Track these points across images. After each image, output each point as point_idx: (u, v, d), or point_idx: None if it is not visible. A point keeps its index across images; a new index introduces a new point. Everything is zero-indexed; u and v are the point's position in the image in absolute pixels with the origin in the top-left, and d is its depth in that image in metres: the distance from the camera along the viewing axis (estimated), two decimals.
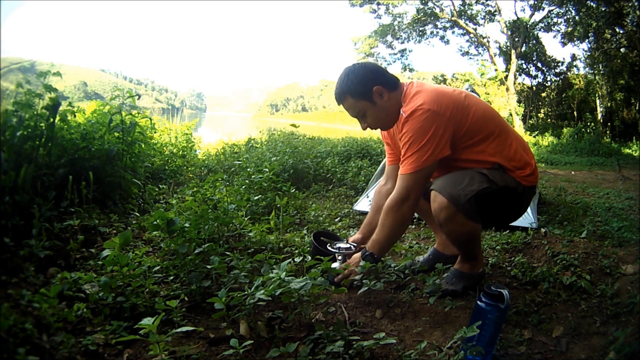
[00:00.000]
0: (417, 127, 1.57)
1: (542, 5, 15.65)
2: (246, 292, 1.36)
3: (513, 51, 16.16)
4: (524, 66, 17.35)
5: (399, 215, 1.66)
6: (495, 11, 17.00)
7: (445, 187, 1.55)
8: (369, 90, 1.66)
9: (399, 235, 1.84)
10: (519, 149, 1.68)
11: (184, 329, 1.24)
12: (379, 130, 1.85)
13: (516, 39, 16.39)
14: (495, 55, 17.40)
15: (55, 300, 1.33)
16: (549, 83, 17.74)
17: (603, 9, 13.10)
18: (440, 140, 1.58)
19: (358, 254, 1.80)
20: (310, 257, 1.84)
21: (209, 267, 1.62)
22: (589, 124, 13.74)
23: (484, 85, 17.70)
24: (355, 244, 1.91)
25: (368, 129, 1.79)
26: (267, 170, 3.34)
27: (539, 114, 17.74)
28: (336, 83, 1.73)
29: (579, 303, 1.65)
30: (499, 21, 17.00)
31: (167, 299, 1.46)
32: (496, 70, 17.19)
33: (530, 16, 16.24)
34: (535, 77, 17.76)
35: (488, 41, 17.59)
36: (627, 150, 11.19)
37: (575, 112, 16.13)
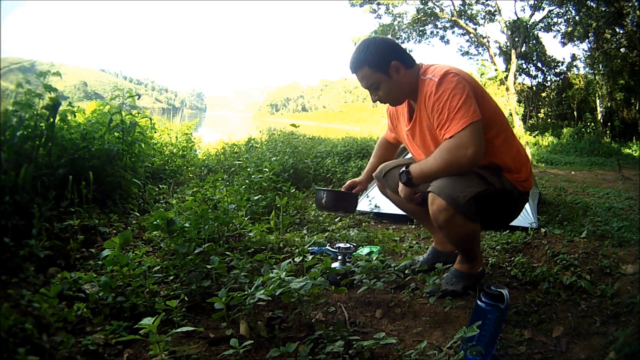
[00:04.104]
0: (453, 85, 1.52)
1: (542, 5, 15.66)
2: (246, 292, 1.36)
3: (513, 51, 16.16)
4: (524, 66, 17.37)
5: (454, 158, 1.49)
6: (495, 11, 17.01)
7: (444, 189, 1.54)
8: (387, 64, 1.64)
9: (445, 175, 1.57)
10: (520, 150, 1.70)
11: (184, 329, 1.24)
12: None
13: (516, 39, 16.39)
14: (495, 55, 17.41)
15: (55, 300, 1.33)
16: (549, 83, 17.77)
17: (603, 9, 13.09)
18: (474, 102, 1.53)
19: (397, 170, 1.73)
20: (319, 206, 1.94)
21: (209, 267, 1.62)
22: (589, 124, 13.74)
23: (484, 85, 17.69)
24: (356, 244, 1.91)
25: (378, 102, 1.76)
26: (267, 170, 3.34)
27: (539, 114, 17.75)
28: (353, 52, 1.71)
29: (579, 303, 1.65)
30: (499, 21, 17.02)
31: (167, 299, 1.45)
32: (496, 70, 17.19)
33: (530, 16, 16.25)
34: (535, 77, 17.81)
35: (488, 41, 17.60)
36: (627, 150, 11.20)
37: (575, 112, 16.15)
